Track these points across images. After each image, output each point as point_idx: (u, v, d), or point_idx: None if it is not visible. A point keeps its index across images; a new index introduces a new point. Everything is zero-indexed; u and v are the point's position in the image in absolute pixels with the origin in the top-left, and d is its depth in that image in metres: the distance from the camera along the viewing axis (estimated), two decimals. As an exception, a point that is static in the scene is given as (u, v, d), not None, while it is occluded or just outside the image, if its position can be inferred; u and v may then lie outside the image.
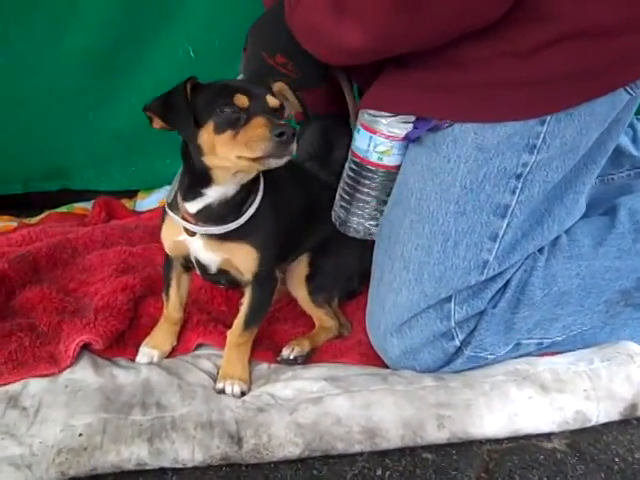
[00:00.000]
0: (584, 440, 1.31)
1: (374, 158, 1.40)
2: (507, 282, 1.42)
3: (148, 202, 2.33)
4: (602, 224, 1.49)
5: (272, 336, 1.57)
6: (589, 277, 1.44)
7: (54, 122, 2.29)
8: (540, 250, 1.44)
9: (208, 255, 1.40)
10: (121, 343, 1.52)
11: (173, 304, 1.51)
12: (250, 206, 1.36)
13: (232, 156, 1.24)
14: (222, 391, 1.37)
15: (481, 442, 1.30)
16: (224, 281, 1.50)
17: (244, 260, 1.39)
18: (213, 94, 1.27)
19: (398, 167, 1.42)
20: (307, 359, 1.48)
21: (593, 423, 1.34)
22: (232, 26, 2.07)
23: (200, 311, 1.60)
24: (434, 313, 1.39)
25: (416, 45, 1.26)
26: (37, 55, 2.20)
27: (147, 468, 1.22)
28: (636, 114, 1.67)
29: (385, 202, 1.44)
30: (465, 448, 1.29)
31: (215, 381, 1.40)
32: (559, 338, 1.44)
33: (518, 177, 1.33)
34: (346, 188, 1.45)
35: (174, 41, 2.23)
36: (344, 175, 1.47)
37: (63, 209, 2.31)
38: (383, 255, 1.45)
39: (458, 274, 1.37)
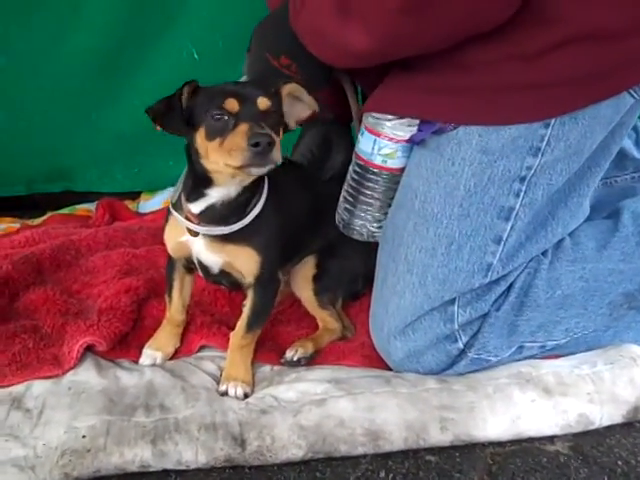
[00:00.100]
0: (587, 443, 1.31)
1: (378, 161, 1.40)
2: (511, 285, 1.42)
3: (151, 204, 2.32)
4: (606, 227, 1.50)
5: (275, 338, 1.57)
6: (593, 280, 1.44)
7: (57, 123, 2.30)
8: (544, 253, 1.44)
9: (210, 257, 1.40)
10: (124, 345, 1.52)
11: (176, 306, 1.51)
12: (254, 208, 1.37)
13: (221, 163, 1.25)
14: (225, 393, 1.37)
15: (484, 445, 1.30)
16: (226, 283, 1.49)
17: (246, 263, 1.39)
18: (208, 98, 1.27)
19: (402, 170, 1.42)
20: (310, 361, 1.48)
21: (596, 426, 1.34)
22: (235, 27, 2.08)
23: (203, 313, 1.60)
24: (438, 316, 1.39)
25: (422, 48, 1.26)
26: (40, 56, 2.20)
27: (150, 470, 1.22)
28: (640, 117, 1.68)
29: (389, 205, 1.44)
30: (468, 451, 1.29)
31: (218, 383, 1.40)
32: (562, 341, 1.44)
33: (522, 180, 1.34)
34: (350, 190, 1.45)
35: (177, 42, 2.23)
36: (348, 178, 1.47)
37: (66, 210, 2.31)
38: (387, 258, 1.45)
39: (462, 277, 1.37)
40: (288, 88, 1.34)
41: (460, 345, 1.40)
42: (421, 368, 1.42)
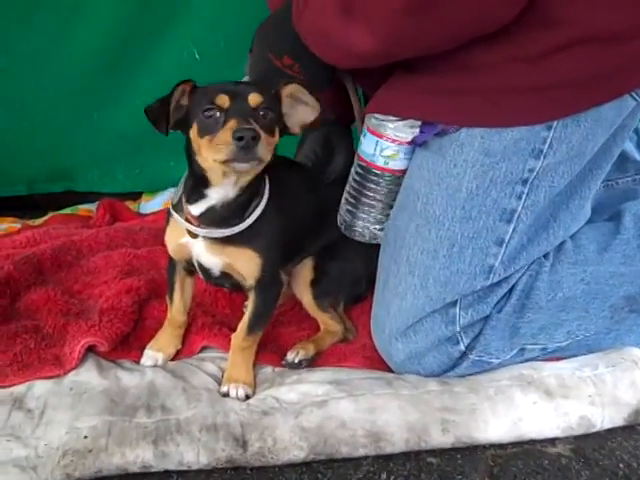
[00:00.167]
0: (589, 446, 1.31)
1: (380, 162, 1.40)
2: (512, 287, 1.42)
3: (152, 204, 2.32)
4: (607, 230, 1.50)
5: (277, 339, 1.57)
6: (594, 282, 1.44)
7: (58, 123, 2.30)
8: (545, 255, 1.44)
9: (210, 259, 1.40)
10: (125, 345, 1.52)
11: (177, 307, 1.51)
12: (254, 210, 1.36)
13: (210, 159, 1.25)
14: (226, 394, 1.37)
15: (485, 447, 1.30)
16: (227, 285, 1.49)
17: (246, 265, 1.39)
18: (202, 95, 1.28)
19: (404, 171, 1.42)
20: (311, 363, 1.48)
21: (598, 429, 1.34)
22: (237, 27, 2.08)
23: (204, 314, 1.60)
24: (439, 317, 1.39)
25: (425, 49, 1.26)
26: (41, 56, 2.20)
27: (152, 470, 1.22)
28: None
29: (391, 206, 1.45)
30: (470, 453, 1.29)
31: (220, 384, 1.40)
32: (564, 343, 1.44)
33: (524, 182, 1.34)
34: (352, 192, 1.46)
35: (179, 42, 2.23)
36: (350, 179, 1.47)
37: (67, 211, 2.31)
38: (388, 259, 1.45)
39: (464, 279, 1.37)
40: (289, 89, 1.34)
41: (461, 347, 1.40)
42: (422, 370, 1.42)
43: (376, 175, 1.42)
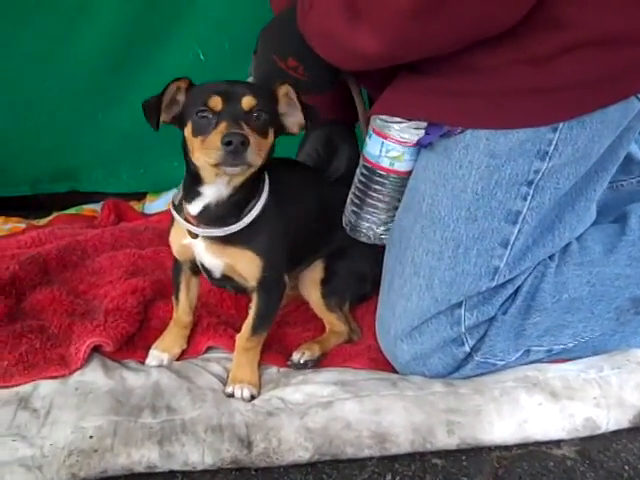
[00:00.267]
0: (594, 447, 1.31)
1: (385, 163, 1.40)
2: (518, 288, 1.42)
3: (157, 205, 2.32)
4: (613, 231, 1.50)
5: (282, 340, 1.57)
6: (599, 284, 1.44)
7: (63, 123, 2.30)
8: (551, 257, 1.44)
9: (211, 260, 1.40)
10: (130, 345, 1.52)
11: (182, 307, 1.51)
12: (252, 209, 1.36)
13: (201, 160, 1.26)
14: (231, 395, 1.37)
15: (490, 448, 1.30)
16: (230, 286, 1.50)
17: (247, 266, 1.39)
18: (197, 95, 1.28)
19: (409, 173, 1.42)
20: (317, 364, 1.48)
21: (603, 430, 1.34)
22: (242, 29, 2.08)
23: (210, 314, 1.60)
24: (444, 319, 1.39)
25: (431, 52, 1.26)
26: (46, 56, 2.20)
27: (157, 471, 1.22)
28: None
29: (396, 207, 1.44)
30: (475, 454, 1.29)
31: (225, 384, 1.40)
32: (569, 345, 1.44)
33: (530, 184, 1.34)
34: (357, 193, 1.46)
35: (184, 43, 2.23)
36: (355, 180, 1.47)
37: (71, 211, 2.31)
38: (394, 260, 1.45)
39: (469, 280, 1.37)
40: (284, 89, 1.34)
41: (467, 348, 1.40)
42: (427, 371, 1.42)
43: (381, 176, 1.42)
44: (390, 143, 1.38)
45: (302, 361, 1.47)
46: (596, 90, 1.27)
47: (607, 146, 1.38)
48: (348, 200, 1.49)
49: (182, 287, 1.51)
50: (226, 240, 1.36)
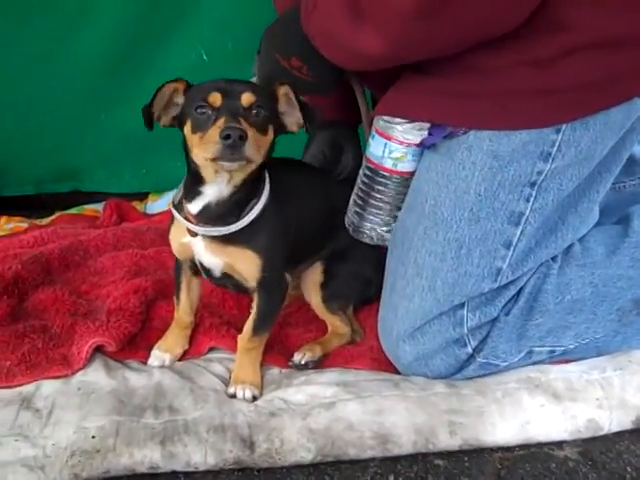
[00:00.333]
0: (596, 449, 1.31)
1: (389, 164, 1.40)
2: (520, 289, 1.42)
3: (159, 205, 2.32)
4: (615, 233, 1.50)
5: (284, 340, 1.57)
6: (602, 285, 1.44)
7: (65, 124, 2.30)
8: (553, 258, 1.44)
9: (211, 259, 1.40)
10: (133, 346, 1.52)
11: (184, 308, 1.52)
12: (252, 208, 1.36)
13: (200, 156, 1.26)
14: (234, 396, 1.37)
15: (493, 449, 1.30)
16: (230, 286, 1.49)
17: (246, 266, 1.39)
18: (196, 93, 1.29)
19: (412, 173, 1.42)
20: (318, 365, 1.48)
21: (605, 432, 1.34)
22: (245, 29, 2.08)
23: (212, 315, 1.60)
24: (447, 320, 1.39)
25: (434, 52, 1.26)
26: (49, 56, 2.20)
27: (159, 471, 1.22)
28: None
29: (399, 208, 1.44)
30: (477, 455, 1.29)
31: (227, 385, 1.40)
32: (571, 346, 1.44)
33: (533, 185, 1.34)
34: (360, 194, 1.46)
35: (187, 43, 2.22)
36: (358, 181, 1.47)
37: (74, 211, 2.31)
38: (396, 261, 1.45)
39: (471, 281, 1.37)
40: (284, 89, 1.34)
41: (469, 349, 1.40)
42: (430, 372, 1.42)
43: (384, 177, 1.42)
44: (393, 144, 1.38)
45: (303, 362, 1.47)
46: (598, 92, 1.27)
47: (610, 147, 1.37)
48: (351, 201, 1.49)
49: (183, 287, 1.51)
50: (226, 239, 1.36)
